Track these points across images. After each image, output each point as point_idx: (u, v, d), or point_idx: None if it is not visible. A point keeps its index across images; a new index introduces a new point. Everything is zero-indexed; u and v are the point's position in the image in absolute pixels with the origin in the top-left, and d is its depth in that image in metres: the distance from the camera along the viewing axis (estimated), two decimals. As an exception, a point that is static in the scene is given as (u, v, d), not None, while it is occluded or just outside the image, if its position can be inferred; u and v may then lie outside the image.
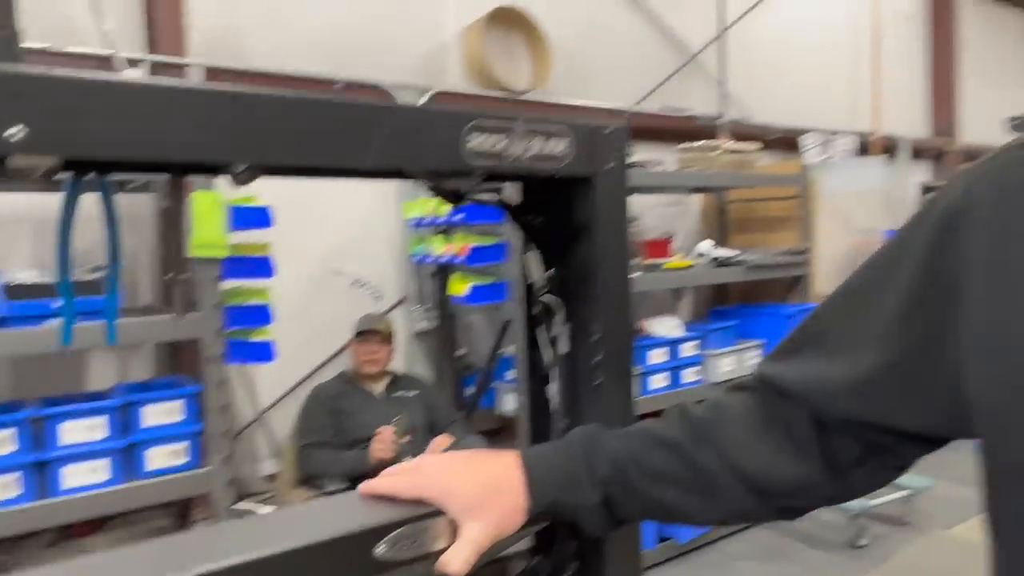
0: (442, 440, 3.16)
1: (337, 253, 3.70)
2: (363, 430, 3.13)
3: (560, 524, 1.05)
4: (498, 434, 4.00)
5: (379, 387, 3.30)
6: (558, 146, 0.93)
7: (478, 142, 0.85)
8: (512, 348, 3.48)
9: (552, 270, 1.07)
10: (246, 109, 0.69)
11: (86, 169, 0.72)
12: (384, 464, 2.85)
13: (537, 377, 1.11)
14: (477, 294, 3.30)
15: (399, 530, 0.85)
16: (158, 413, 2.56)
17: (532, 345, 1.10)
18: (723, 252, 4.28)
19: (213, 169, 0.71)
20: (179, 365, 3.20)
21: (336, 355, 3.65)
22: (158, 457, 2.55)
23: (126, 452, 2.49)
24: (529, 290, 1.08)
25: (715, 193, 5.00)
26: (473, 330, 4.10)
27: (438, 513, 0.88)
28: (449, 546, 0.87)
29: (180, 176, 0.73)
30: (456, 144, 0.83)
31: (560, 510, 0.86)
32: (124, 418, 2.51)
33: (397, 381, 3.38)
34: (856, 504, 3.95)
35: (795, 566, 3.77)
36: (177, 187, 0.75)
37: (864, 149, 6.17)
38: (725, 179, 4.27)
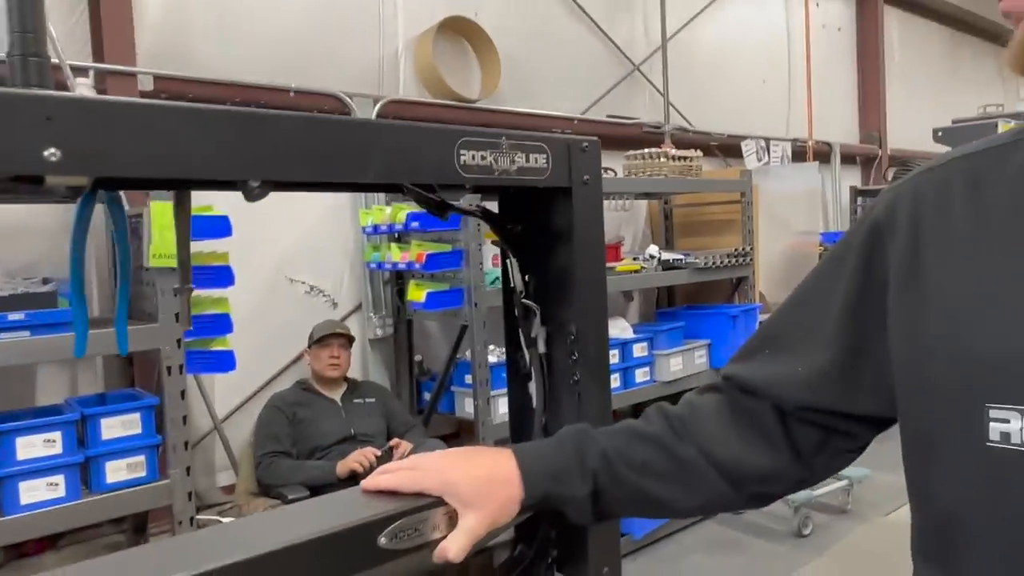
0: (401, 444, 3.20)
1: (292, 260, 3.70)
2: (322, 438, 3.15)
3: (542, 514, 1.12)
4: (457, 437, 4.05)
5: (337, 394, 3.32)
6: (539, 160, 0.99)
7: (468, 157, 0.91)
8: (468, 353, 3.53)
9: (530, 275, 1.14)
10: (262, 129, 0.73)
11: (112, 187, 0.75)
12: (352, 476, 2.89)
13: (519, 376, 1.18)
14: (434, 300, 3.34)
15: (399, 521, 0.91)
16: (116, 426, 2.52)
17: (513, 346, 1.17)
18: (670, 255, 4.42)
19: (228, 185, 0.75)
20: (132, 377, 3.15)
21: (292, 363, 3.65)
22: (116, 471, 2.52)
23: (83, 466, 2.45)
24: (510, 294, 1.15)
25: (661, 198, 5.16)
26: (429, 336, 4.14)
27: (436, 505, 0.94)
28: (446, 535, 0.93)
29: (190, 190, 0.75)
30: (449, 159, 0.89)
31: (552, 501, 0.93)
32: (81, 432, 2.48)
33: (355, 388, 3.40)
34: (799, 495, 4.13)
35: (744, 556, 3.92)
36: (184, 203, 0.78)
37: (800, 155, 6.44)
38: (670, 184, 4.41)
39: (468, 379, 3.52)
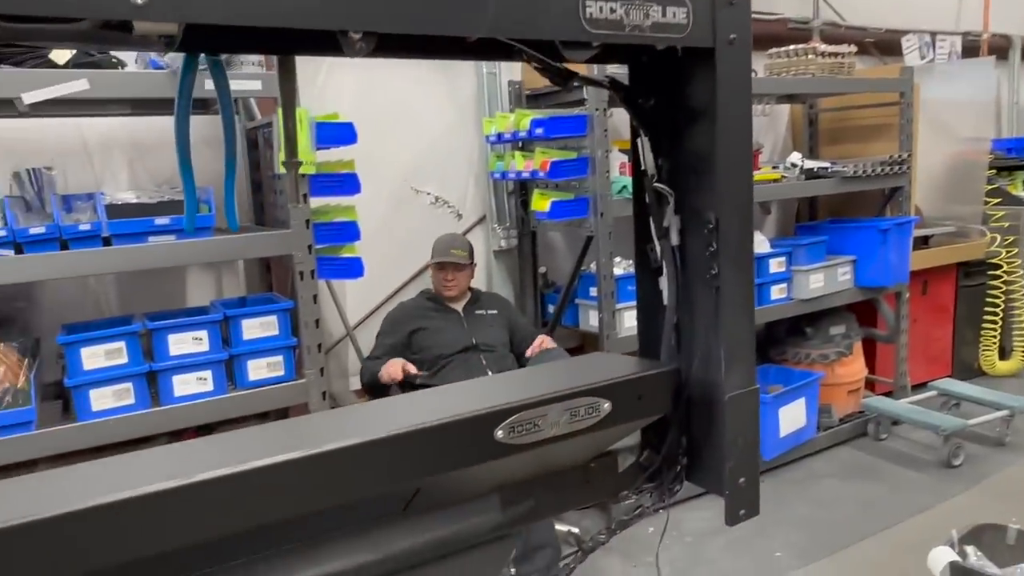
0: (544, 341, 3.19)
1: (417, 171, 3.69)
2: (445, 347, 3.17)
3: (674, 419, 1.03)
4: (580, 350, 4.01)
5: (460, 305, 3.32)
6: (678, 15, 0.86)
7: (595, 9, 0.79)
8: (593, 265, 3.43)
9: (664, 157, 1.02)
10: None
11: (201, 45, 0.70)
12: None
13: (648, 271, 1.07)
14: (558, 210, 3.24)
15: (517, 415, 0.85)
16: (256, 327, 2.65)
17: (643, 237, 1.06)
18: (814, 163, 4.07)
19: (327, 44, 0.68)
20: (270, 282, 3.30)
21: (419, 273, 3.69)
22: (257, 369, 2.66)
23: (228, 364, 2.60)
24: (640, 179, 1.04)
25: (806, 101, 4.73)
26: (554, 247, 4.07)
27: (556, 400, 0.87)
28: (564, 435, 0.87)
29: (292, 54, 0.70)
30: (574, 11, 0.77)
31: None
32: (225, 332, 2.62)
33: (477, 299, 3.39)
34: (950, 423, 3.82)
35: (883, 484, 3.70)
36: (289, 71, 0.72)
37: (972, 50, 5.70)
38: (818, 85, 4.02)
39: (593, 292, 3.44)
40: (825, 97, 4.63)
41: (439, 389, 0.97)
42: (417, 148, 3.69)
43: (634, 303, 3.66)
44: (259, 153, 3.13)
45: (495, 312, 3.36)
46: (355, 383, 3.66)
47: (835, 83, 4.06)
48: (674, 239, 1.03)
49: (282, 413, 3.13)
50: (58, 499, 0.64)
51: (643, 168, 1.02)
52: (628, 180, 3.36)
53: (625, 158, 3.45)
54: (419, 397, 0.93)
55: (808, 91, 4.23)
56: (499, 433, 0.84)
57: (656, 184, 1.01)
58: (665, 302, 1.05)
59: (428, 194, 3.73)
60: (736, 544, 3.18)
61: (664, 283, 1.05)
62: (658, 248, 1.05)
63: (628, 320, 3.42)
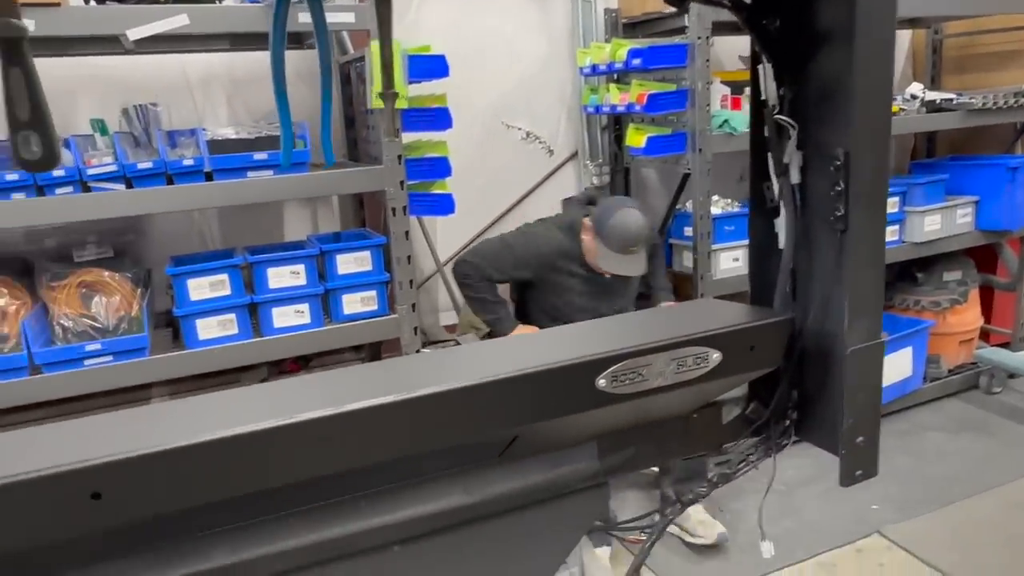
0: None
1: (508, 106, 3.61)
2: (569, 314, 2.93)
3: (785, 372, 0.97)
4: (673, 292, 3.91)
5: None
6: (816, -79, 0.76)
7: (723, -84, 0.70)
8: (689, 204, 3.30)
9: (787, 86, 0.93)
10: None
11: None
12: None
13: (763, 211, 0.99)
14: (655, 145, 3.11)
15: (621, 364, 0.81)
16: (350, 262, 2.69)
17: (759, 174, 0.98)
18: (937, 95, 3.74)
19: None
20: (363, 218, 3.34)
21: (510, 210, 3.66)
22: (351, 303, 2.71)
23: (324, 297, 2.66)
24: (759, 109, 0.95)
25: (929, 26, 4.33)
26: (647, 185, 3.94)
27: (662, 349, 0.82)
28: (669, 386, 0.82)
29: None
30: (698, -82, 0.69)
31: None
32: (321, 266, 2.67)
33: None
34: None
35: (993, 440, 3.49)
36: (385, 10, 0.68)
37: None
38: (945, 4, 3.65)
39: (688, 231, 3.32)
40: (953, 20, 4.22)
41: (542, 334, 0.93)
42: (508, 82, 3.60)
43: (731, 244, 3.52)
44: (352, 88, 3.13)
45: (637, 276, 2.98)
46: (445, 319, 3.70)
47: (965, 3, 3.68)
48: (794, 177, 0.95)
49: (374, 347, 3.21)
50: (181, 431, 0.65)
51: (763, 98, 0.93)
52: (730, 114, 3.18)
53: (727, 90, 3.27)
54: (521, 341, 0.90)
55: (931, 13, 3.86)
56: (601, 382, 0.80)
57: (777, 116, 0.92)
58: (781, 246, 0.97)
59: (519, 129, 3.65)
60: (829, 495, 3.09)
61: (781, 225, 0.97)
62: (776, 186, 0.96)
63: (724, 262, 3.29)
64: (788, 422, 1.03)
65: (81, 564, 0.68)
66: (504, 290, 3.11)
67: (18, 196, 2.25)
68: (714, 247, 3.23)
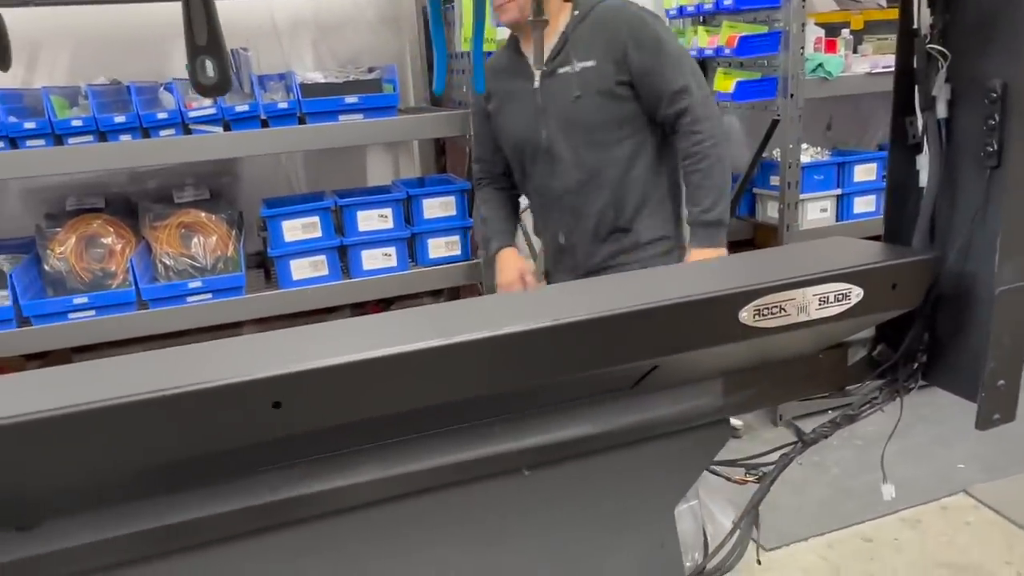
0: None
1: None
2: (517, 148, 2.15)
3: (918, 313, 0.95)
4: (751, 244, 3.84)
5: (533, 55, 2.11)
6: None
7: None
8: (776, 151, 3.21)
9: (938, 12, 0.89)
10: None
11: None
12: None
13: (904, 148, 0.96)
14: (745, 90, 3.02)
15: (765, 297, 0.80)
16: (435, 207, 2.72)
17: (903, 108, 0.94)
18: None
19: None
20: (443, 164, 3.36)
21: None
22: (436, 247, 2.75)
23: (410, 241, 2.70)
24: (908, 39, 0.91)
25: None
26: (728, 131, 3.83)
27: (808, 283, 0.81)
28: (810, 321, 0.81)
29: None
30: None
31: None
32: (407, 210, 2.71)
33: (571, 39, 2.08)
34: None
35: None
36: None
37: None
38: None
39: (774, 180, 3.23)
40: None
41: (679, 267, 0.93)
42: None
43: (819, 194, 3.35)
44: (435, 32, 3.11)
45: (592, 64, 1.95)
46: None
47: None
48: (941, 111, 0.91)
49: (453, 292, 3.26)
50: (348, 347, 0.68)
51: (915, 27, 0.89)
52: (824, 58, 3.05)
53: (822, 32, 3.13)
54: (658, 274, 0.90)
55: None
56: (744, 315, 0.80)
57: (929, 45, 0.88)
58: (922, 183, 0.94)
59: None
60: (912, 451, 3.03)
61: (923, 162, 0.94)
62: (920, 121, 0.93)
63: (811, 212, 3.20)
64: (916, 365, 1.01)
65: (258, 469, 0.73)
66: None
67: (125, 138, 2.34)
68: (802, 196, 3.14)
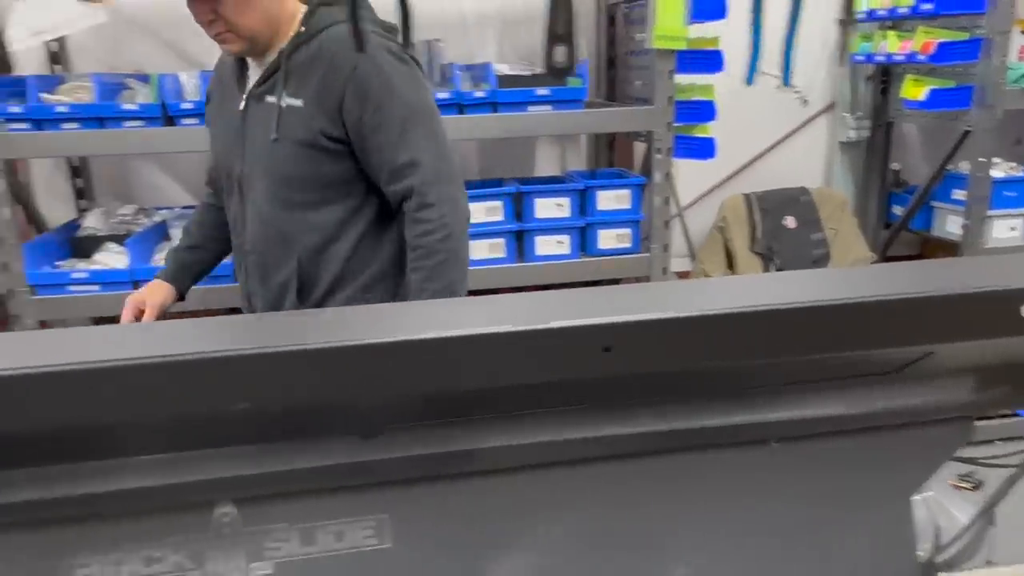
0: None
1: (765, 51, 3.50)
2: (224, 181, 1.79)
3: None
4: (918, 258, 3.69)
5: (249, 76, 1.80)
6: None
7: None
8: (964, 164, 3.07)
9: None
10: None
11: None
12: None
13: None
14: (937, 98, 2.91)
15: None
16: (610, 199, 2.80)
17: None
18: None
19: None
20: (611, 158, 3.43)
21: (753, 161, 3.59)
22: (607, 239, 2.83)
23: (583, 231, 2.79)
24: None
25: None
26: (910, 142, 3.69)
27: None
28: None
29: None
30: None
31: None
32: (582, 201, 2.80)
33: (290, 60, 1.68)
34: None
35: None
36: None
37: None
38: None
39: (958, 195, 3.10)
40: None
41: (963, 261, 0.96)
42: (767, 25, 3.48)
43: (1009, 211, 3.21)
44: (616, 30, 3.18)
45: (299, 104, 1.56)
46: (675, 265, 3.74)
47: None
48: None
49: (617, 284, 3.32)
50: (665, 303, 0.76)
51: None
52: (1028, 67, 2.90)
53: (1027, 41, 2.97)
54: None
55: None
56: (1027, 309, 0.82)
57: None
58: None
59: (775, 77, 3.54)
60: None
61: None
62: None
63: (998, 230, 3.05)
64: None
65: (587, 407, 0.83)
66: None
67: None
68: (990, 213, 3.00)
